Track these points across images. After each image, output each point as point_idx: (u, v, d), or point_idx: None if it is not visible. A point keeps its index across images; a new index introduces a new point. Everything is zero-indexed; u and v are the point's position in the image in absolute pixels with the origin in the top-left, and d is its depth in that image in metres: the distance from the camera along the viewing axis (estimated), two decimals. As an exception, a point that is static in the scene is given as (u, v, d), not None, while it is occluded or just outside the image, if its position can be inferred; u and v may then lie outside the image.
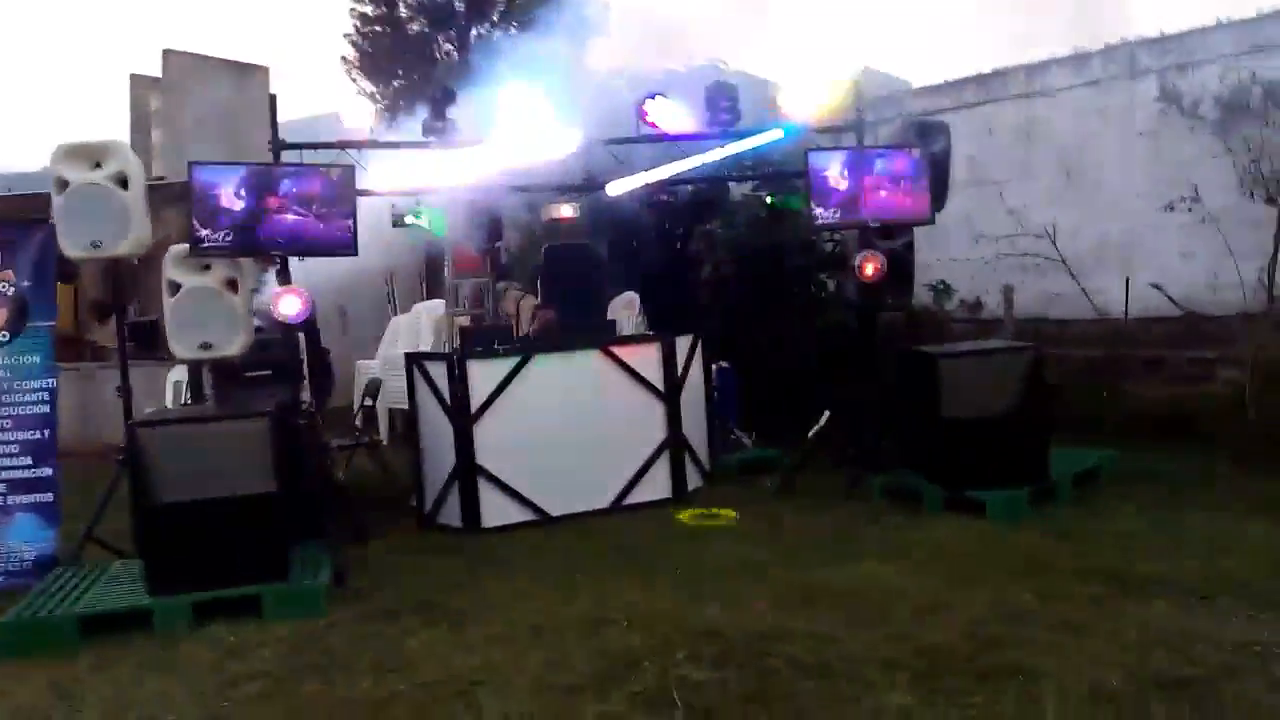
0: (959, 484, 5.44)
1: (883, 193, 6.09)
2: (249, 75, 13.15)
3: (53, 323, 5.35)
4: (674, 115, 6.54)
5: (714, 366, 7.06)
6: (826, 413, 6.55)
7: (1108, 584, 4.10)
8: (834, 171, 6.05)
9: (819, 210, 6.06)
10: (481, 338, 6.61)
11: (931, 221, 6.24)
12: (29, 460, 5.17)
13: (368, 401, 7.28)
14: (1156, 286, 8.24)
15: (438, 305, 9.69)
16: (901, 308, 6.73)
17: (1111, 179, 8.84)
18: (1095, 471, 5.84)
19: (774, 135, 6.75)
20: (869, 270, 5.96)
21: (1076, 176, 9.13)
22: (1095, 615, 3.79)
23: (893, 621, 3.82)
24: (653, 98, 6.50)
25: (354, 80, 18.57)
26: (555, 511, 5.84)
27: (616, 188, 7.02)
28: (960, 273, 9.09)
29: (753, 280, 8.36)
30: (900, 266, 6.22)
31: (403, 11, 18.65)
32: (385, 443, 8.56)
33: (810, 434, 6.53)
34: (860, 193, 6.06)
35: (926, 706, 3.08)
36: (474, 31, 18.29)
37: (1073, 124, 9.15)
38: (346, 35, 18.76)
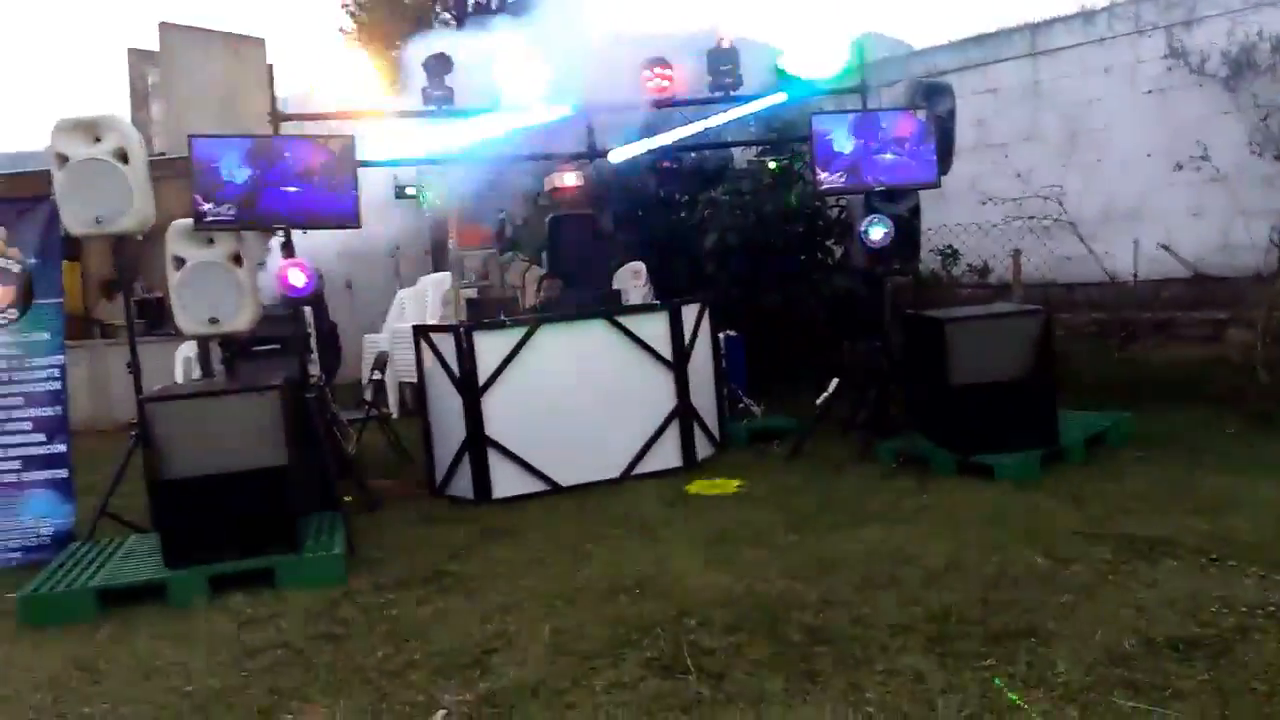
0: (969, 448, 5.44)
1: (888, 156, 6.03)
2: (246, 47, 13.05)
3: (60, 300, 5.36)
4: (675, 80, 6.46)
5: (721, 335, 7.04)
6: (835, 380, 6.54)
7: (1119, 546, 4.11)
8: (838, 135, 5.99)
9: (823, 175, 6.01)
10: (488, 309, 6.61)
11: (937, 185, 6.19)
12: (42, 437, 5.20)
13: (376, 375, 7.29)
14: (1165, 248, 8.18)
15: (444, 278, 9.68)
16: (908, 273, 6.70)
17: (1119, 139, 8.73)
18: (1106, 434, 5.83)
19: (777, 98, 6.68)
20: (874, 235, 5.92)
21: (1083, 137, 9.03)
22: (1107, 577, 3.79)
23: (904, 585, 3.84)
24: (654, 63, 6.43)
25: (351, 51, 18.42)
26: (565, 482, 5.86)
27: (620, 155, 6.97)
28: (967, 237, 9.03)
29: (759, 247, 8.32)
30: (906, 231, 6.18)
31: (399, -21, 18.46)
32: (395, 415, 8.59)
33: (819, 401, 6.52)
34: (865, 156, 6.00)
35: (939, 669, 3.09)
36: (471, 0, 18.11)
37: (1079, 83, 9.03)
38: (344, 5, 18.61)
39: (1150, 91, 8.55)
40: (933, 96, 6.43)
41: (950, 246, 9.06)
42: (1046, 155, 9.17)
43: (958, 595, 3.70)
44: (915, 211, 6.33)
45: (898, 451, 5.80)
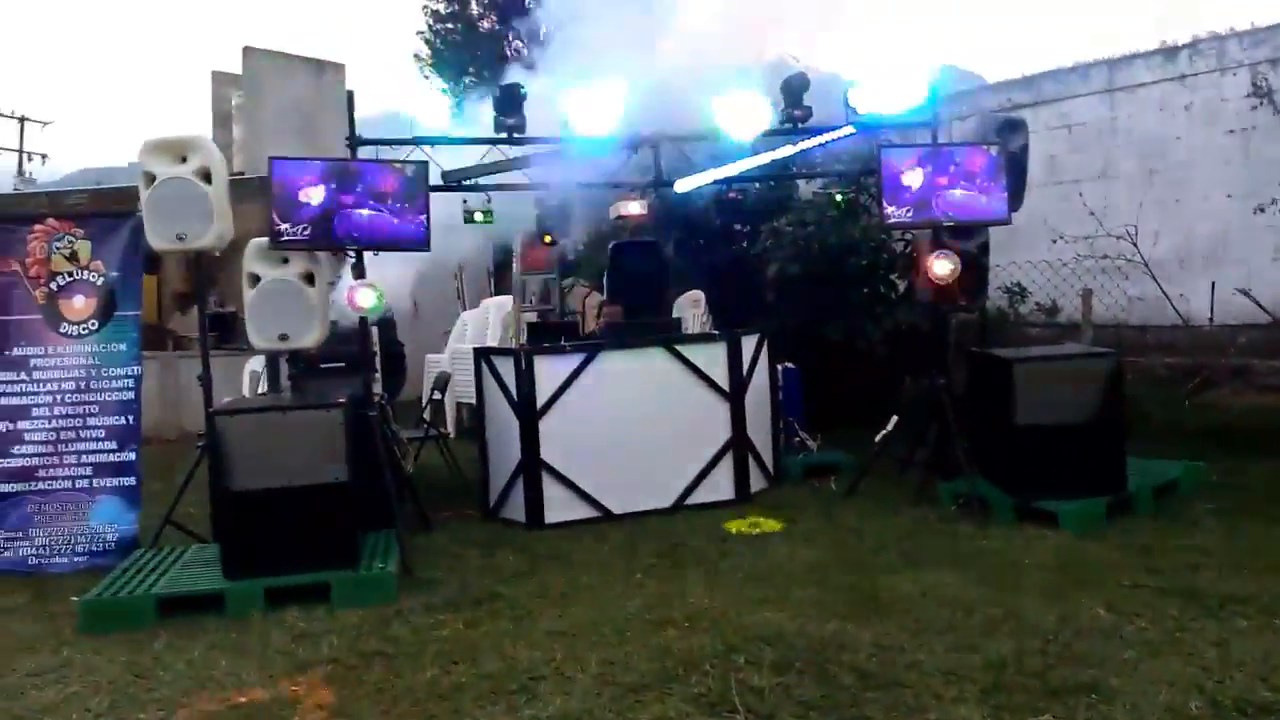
0: (1032, 493, 5.31)
1: (958, 191, 5.95)
2: (326, 72, 13.45)
3: (139, 312, 5.55)
4: (744, 112, 6.47)
5: (780, 367, 6.99)
6: (895, 417, 6.44)
7: (1187, 602, 3.96)
8: (907, 169, 5.93)
9: (891, 209, 5.95)
10: (548, 333, 6.66)
11: (1008, 221, 6.08)
12: (114, 445, 5.36)
13: (436, 395, 7.39)
14: (1244, 292, 7.92)
15: (506, 301, 9.80)
16: (975, 310, 6.57)
17: (1198, 179, 8.52)
18: (1176, 484, 5.64)
19: (846, 132, 6.65)
20: (940, 270, 5.83)
21: (1160, 176, 8.83)
22: (1173, 634, 3.65)
23: (960, 632, 3.75)
24: (723, 94, 6.45)
25: (426, 77, 18.88)
26: (617, 509, 5.85)
27: (685, 184, 7.00)
28: (1036, 275, 8.86)
29: (821, 279, 8.26)
30: (974, 268, 6.08)
31: (474, 9, 18.89)
32: (452, 435, 8.68)
33: (878, 438, 6.43)
34: (934, 191, 5.93)
35: (994, 721, 3.00)
36: (544, 29, 18.42)
37: (1157, 121, 8.86)
38: (420, 33, 19.09)
39: (1232, 131, 8.34)
40: (1006, 131, 6.35)
41: (1019, 284, 8.90)
42: (1121, 194, 8.99)
43: (1016, 645, 3.59)
44: (984, 248, 6.23)
45: (957, 493, 5.68)
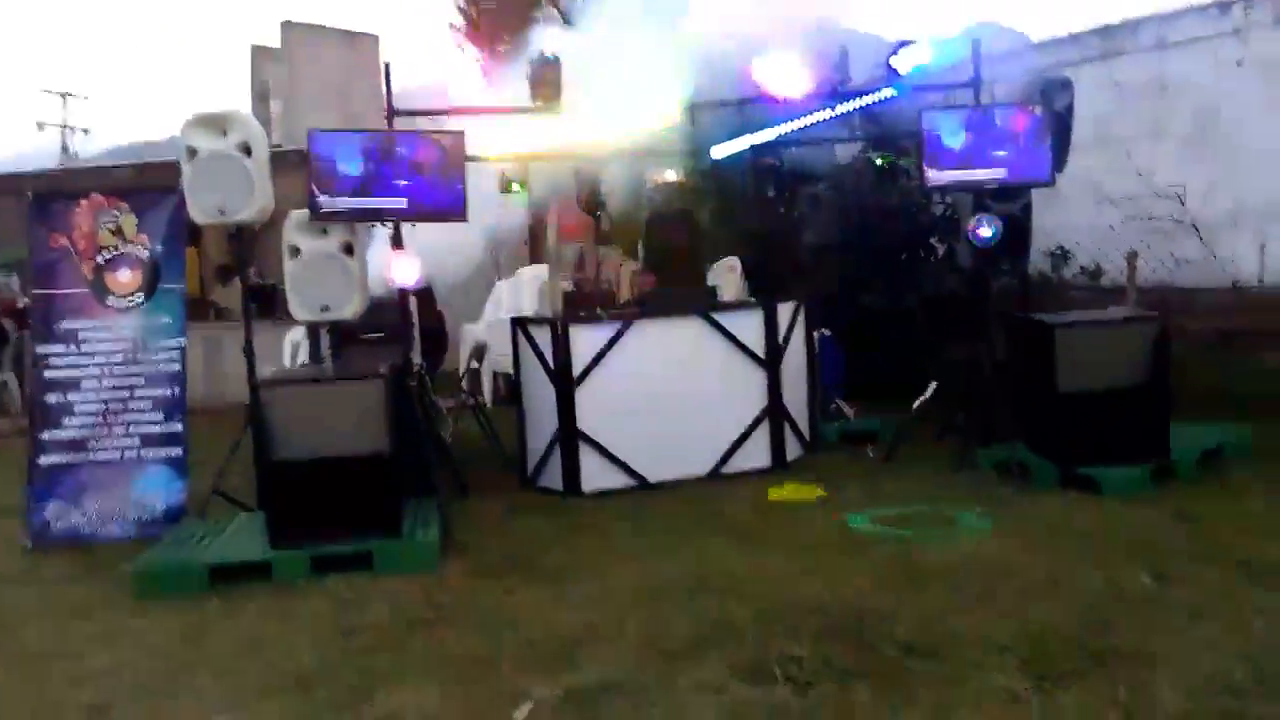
0: (1074, 460, 5.24)
1: (1000, 153, 5.83)
2: (361, 43, 13.47)
3: (183, 285, 5.64)
4: (782, 75, 6.38)
5: (816, 334, 6.94)
6: (934, 383, 6.38)
7: (1231, 569, 3.90)
8: (948, 131, 5.82)
9: (931, 171, 5.85)
10: (585, 302, 6.67)
11: (1051, 183, 5.96)
12: (160, 416, 5.48)
13: (473, 364, 7.44)
14: (1297, 253, 7.72)
15: (541, 270, 9.80)
16: (1017, 274, 6.46)
17: (1251, 137, 8.24)
18: (1221, 450, 5.54)
19: (886, 94, 6.54)
20: (983, 233, 5.74)
21: (1212, 134, 8.56)
22: (1217, 601, 3.61)
23: (1001, 601, 3.72)
24: (760, 58, 6.36)
25: (461, 48, 18.82)
26: (654, 478, 5.88)
27: (721, 151, 6.93)
28: (1081, 237, 8.68)
29: (859, 245, 8.17)
30: (1016, 231, 5.97)
31: (509, -24, 18.75)
32: (489, 405, 8.75)
33: (916, 404, 6.37)
34: (976, 153, 5.82)
35: (1035, 690, 2.99)
36: (578, -5, 18.26)
37: (1210, 77, 8.56)
38: (455, 2, 19.00)
39: (1288, 87, 8.06)
40: (1051, 91, 6.21)
41: (1062, 247, 8.75)
42: (1171, 153, 8.74)
43: (1057, 613, 3.57)
44: (1027, 210, 6.12)
45: (998, 460, 5.63)
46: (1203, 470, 5.33)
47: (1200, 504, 4.79)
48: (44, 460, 5.37)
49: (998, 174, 5.82)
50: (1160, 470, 5.20)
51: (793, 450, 6.28)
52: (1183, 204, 8.22)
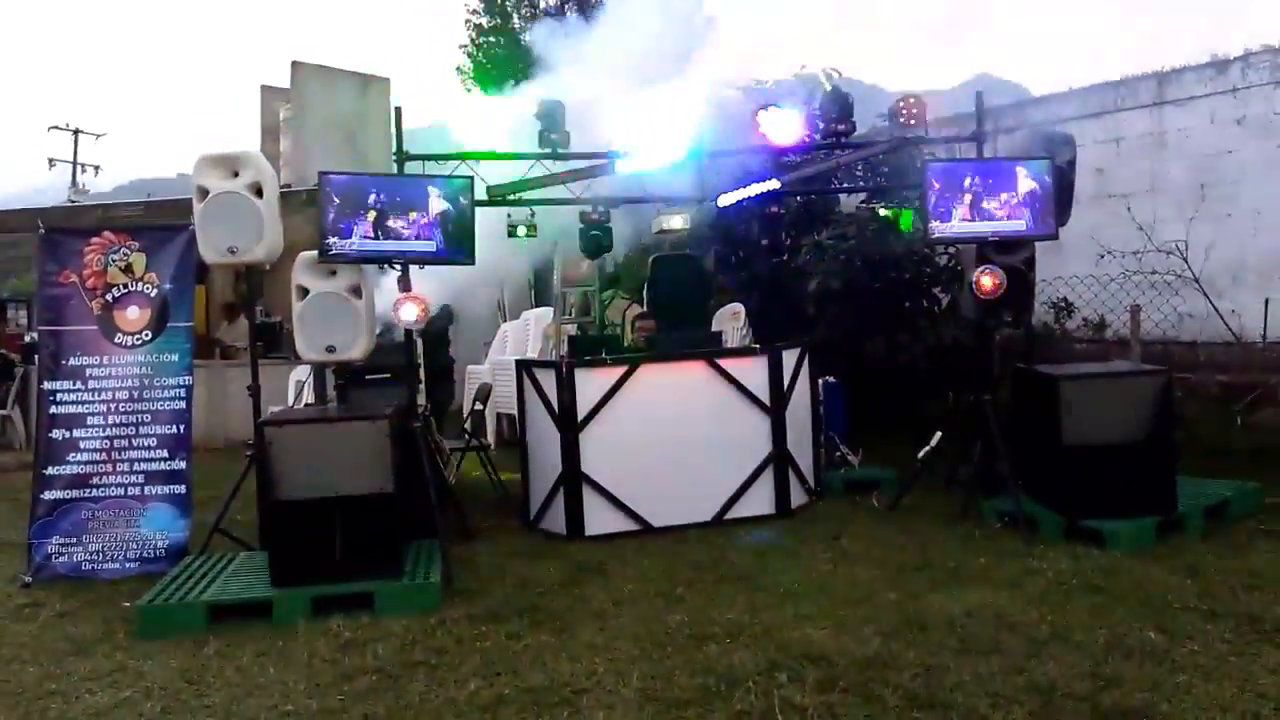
0: (1079, 512, 5.23)
1: (1003, 206, 5.90)
2: (371, 86, 13.66)
3: (191, 323, 5.66)
4: (787, 126, 6.47)
5: (821, 381, 6.96)
6: (939, 433, 6.38)
7: (1240, 625, 3.88)
8: (952, 183, 5.89)
9: (935, 223, 5.91)
10: (589, 346, 6.70)
11: (1055, 237, 6.02)
12: (165, 453, 5.47)
13: (478, 406, 7.45)
14: (1299, 309, 7.76)
15: (546, 313, 9.85)
16: (1020, 326, 6.50)
17: (1251, 193, 8.34)
18: (1228, 504, 5.52)
19: (887, 146, 6.63)
20: (986, 285, 5.78)
21: (1211, 190, 8.66)
22: (1225, 658, 3.58)
23: (1007, 654, 3.70)
24: (765, 108, 6.46)
25: (469, 90, 19.07)
26: (657, 522, 5.85)
27: (727, 199, 7.01)
28: (1084, 290, 8.75)
29: (863, 293, 8.22)
30: (1020, 283, 6.01)
31: (516, 23, 19.07)
32: (492, 446, 8.74)
33: (921, 454, 6.37)
34: (979, 205, 5.88)
35: (1043, 745, 2.96)
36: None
37: (1209, 134, 8.68)
38: (462, 46, 19.30)
39: (1287, 145, 8.17)
40: (1053, 145, 6.27)
41: (1065, 299, 8.80)
42: (1171, 208, 8.83)
43: (1063, 668, 3.54)
44: (1030, 262, 6.16)
45: (1003, 511, 5.61)
46: (1210, 525, 5.31)
47: (1207, 559, 4.78)
48: (47, 495, 5.35)
49: (1001, 227, 5.88)
50: (1167, 524, 5.18)
51: (797, 497, 6.26)
52: (1184, 259, 8.29)
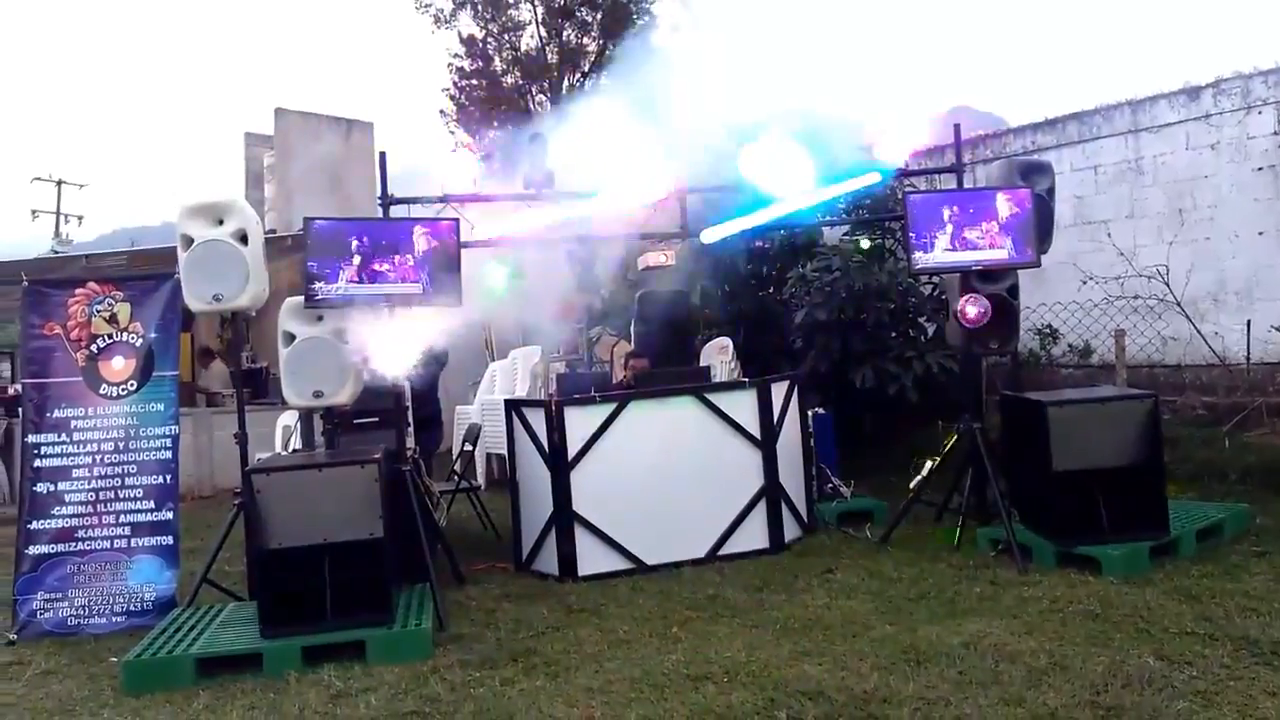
0: (1072, 538, 5.23)
1: (984, 236, 5.96)
2: (354, 130, 13.74)
3: (176, 372, 5.63)
4: (768, 162, 6.52)
5: (810, 413, 6.96)
6: (929, 462, 6.38)
7: (1238, 649, 3.87)
8: (932, 214, 5.95)
9: (918, 254, 5.96)
10: (578, 383, 6.69)
11: (1037, 264, 6.07)
12: (151, 504, 5.42)
13: (468, 447, 7.41)
14: (1280, 329, 7.83)
15: (534, 351, 9.85)
16: (1006, 353, 6.53)
17: (1228, 217, 8.46)
18: (1220, 526, 5.53)
19: (871, 179, 6.69)
20: (971, 314, 5.82)
21: (1189, 214, 8.78)
22: (1225, 682, 3.56)
23: (1006, 684, 3.67)
24: (747, 145, 6.51)
25: (452, 132, 19.21)
26: (650, 560, 5.81)
27: (711, 235, 7.04)
28: (1068, 316, 8.82)
29: (849, 325, 8.26)
30: (1004, 310, 6.05)
31: (498, 65, 19.26)
32: (482, 486, 8.69)
33: (912, 484, 6.36)
34: (961, 235, 5.94)
35: (1046, 778, 2.93)
36: (565, 83, 18.75)
37: (1184, 160, 8.82)
38: (445, 90, 19.46)
39: (1261, 169, 8.29)
40: (1031, 174, 6.35)
41: (1050, 326, 8.86)
42: (1150, 233, 8.94)
43: (1063, 697, 3.51)
44: (1013, 290, 6.20)
45: (996, 540, 5.60)
46: (1202, 548, 5.32)
47: (1202, 582, 4.77)
48: (32, 550, 5.28)
49: (983, 257, 5.93)
50: (1160, 548, 5.18)
51: (791, 531, 6.23)
52: (1166, 283, 8.37)
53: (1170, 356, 8.33)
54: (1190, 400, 7.68)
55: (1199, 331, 8.14)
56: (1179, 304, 8.28)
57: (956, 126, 6.84)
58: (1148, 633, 4.12)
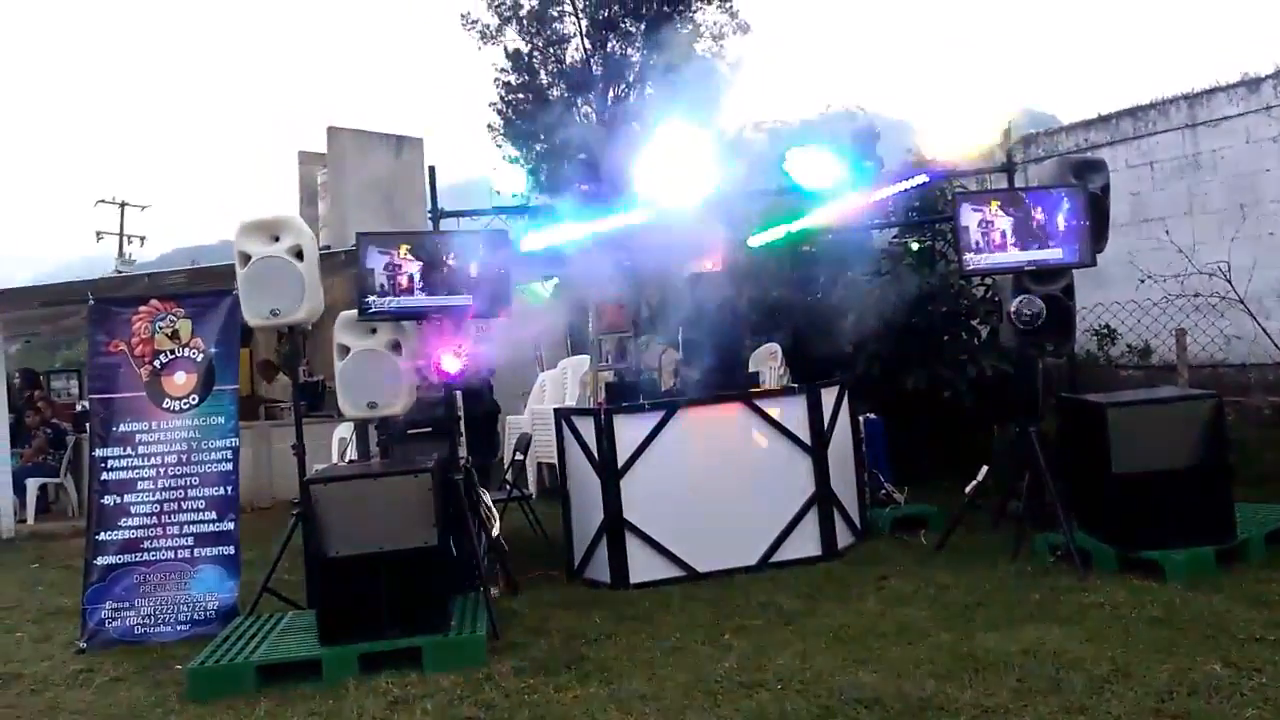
0: (1134, 543, 5.10)
1: (1037, 235, 5.85)
2: (405, 147, 13.96)
3: (236, 386, 5.77)
4: (815, 166, 6.50)
5: (862, 418, 6.90)
6: (985, 467, 6.28)
7: (1312, 656, 3.75)
8: (984, 215, 5.86)
9: (969, 256, 5.87)
10: (627, 392, 6.70)
11: (1092, 263, 5.95)
12: (214, 515, 5.55)
13: (518, 456, 7.46)
14: (1350, 325, 7.58)
15: (583, 360, 9.90)
16: (1062, 355, 6.41)
17: (1291, 212, 8.23)
18: (1290, 529, 5.36)
19: (919, 180, 6.63)
20: (1025, 315, 5.72)
21: (1251, 209, 8.54)
22: (1299, 691, 3.46)
23: (1067, 693, 3.59)
24: (793, 149, 6.50)
25: (499, 146, 19.45)
26: (702, 568, 5.80)
27: (759, 239, 7.03)
28: (1126, 316, 8.63)
29: (900, 328, 8.17)
30: (1059, 311, 5.94)
31: (544, 79, 19.45)
32: (534, 496, 8.74)
33: (968, 489, 6.27)
34: (1013, 236, 5.84)
35: (1110, 788, 2.86)
36: (610, 94, 18.87)
37: (1244, 154, 8.59)
38: (492, 104, 19.71)
39: (1325, 161, 8.05)
40: (1085, 172, 6.23)
41: (1107, 326, 8.68)
42: (1210, 229, 8.72)
43: (1127, 705, 3.43)
44: (1069, 290, 6.09)
45: (1055, 545, 5.49)
46: (1271, 552, 5.16)
47: (1272, 587, 4.62)
48: (100, 561, 5.44)
49: (1036, 256, 5.83)
50: (1226, 552, 5.03)
51: (844, 538, 6.17)
52: (1228, 280, 8.15)
53: (1234, 356, 8.11)
54: (1256, 400, 7.46)
55: (1264, 329, 7.90)
56: (1242, 301, 8.06)
57: (1008, 126, 6.74)
58: (1214, 639, 4.01)
